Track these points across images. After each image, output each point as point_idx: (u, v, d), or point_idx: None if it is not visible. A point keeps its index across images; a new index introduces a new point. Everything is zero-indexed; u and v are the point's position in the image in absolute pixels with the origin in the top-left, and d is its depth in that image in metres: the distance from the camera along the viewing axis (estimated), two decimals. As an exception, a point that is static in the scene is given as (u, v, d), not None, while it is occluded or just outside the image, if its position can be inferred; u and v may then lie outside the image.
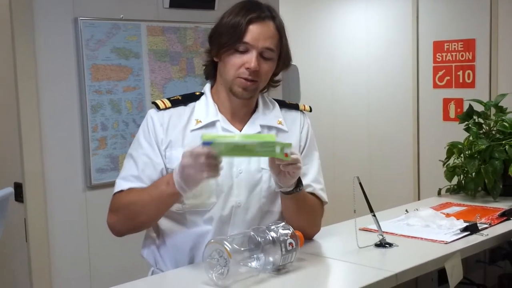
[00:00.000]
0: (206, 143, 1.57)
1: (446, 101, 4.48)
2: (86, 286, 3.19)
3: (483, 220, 2.14)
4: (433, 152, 4.17)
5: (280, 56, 1.84)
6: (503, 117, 2.61)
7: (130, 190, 1.78)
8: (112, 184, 1.87)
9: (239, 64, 1.77)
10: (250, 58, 1.76)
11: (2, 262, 3.22)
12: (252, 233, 1.58)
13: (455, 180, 2.64)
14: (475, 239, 1.95)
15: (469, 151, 2.55)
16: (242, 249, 1.52)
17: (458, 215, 2.20)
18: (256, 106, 1.90)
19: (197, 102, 1.87)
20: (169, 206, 1.76)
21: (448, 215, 2.19)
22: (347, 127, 5.19)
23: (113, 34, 3.20)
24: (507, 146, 2.47)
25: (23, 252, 3.02)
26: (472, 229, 2.00)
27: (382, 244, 1.85)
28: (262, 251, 1.55)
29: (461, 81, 4.39)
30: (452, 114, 4.42)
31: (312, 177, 1.90)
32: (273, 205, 1.87)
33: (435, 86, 4.55)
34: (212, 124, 1.83)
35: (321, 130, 4.54)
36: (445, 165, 2.66)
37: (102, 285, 3.19)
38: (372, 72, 4.98)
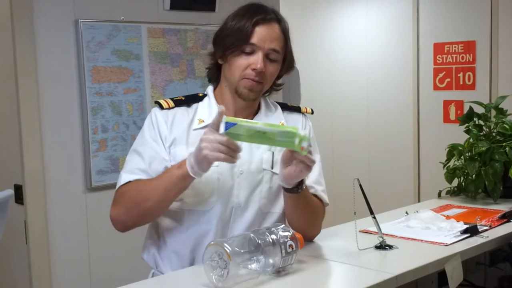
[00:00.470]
0: (228, 124, 1.57)
1: (447, 103, 4.48)
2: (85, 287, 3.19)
3: (483, 222, 2.14)
4: (433, 154, 4.16)
5: (284, 59, 1.86)
6: (503, 119, 2.61)
7: (137, 180, 1.77)
8: (112, 186, 1.87)
9: (245, 65, 1.78)
10: (257, 59, 1.77)
11: (2, 264, 3.22)
12: (252, 235, 1.58)
13: (455, 182, 2.64)
14: (475, 241, 1.95)
15: (470, 153, 2.55)
16: (242, 251, 1.52)
17: (458, 217, 2.20)
18: (259, 109, 1.91)
19: (200, 103, 1.88)
20: (176, 192, 1.72)
21: (448, 217, 2.19)
22: (347, 129, 5.19)
23: (114, 36, 3.20)
24: (507, 148, 2.47)
25: (23, 254, 3.02)
26: (472, 231, 1.99)
27: (382, 246, 1.85)
28: (262, 253, 1.55)
29: (461, 83, 4.39)
30: (452, 116, 4.42)
31: (313, 179, 1.90)
32: (274, 206, 1.87)
33: (436, 88, 4.55)
34: None
35: (321, 132, 4.54)
36: (445, 167, 2.66)
37: (102, 287, 3.19)
38: (372, 74, 4.98)
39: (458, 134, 2.76)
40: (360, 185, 1.83)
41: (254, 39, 1.77)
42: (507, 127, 2.56)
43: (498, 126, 2.60)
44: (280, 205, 1.88)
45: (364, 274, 1.68)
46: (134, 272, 1.98)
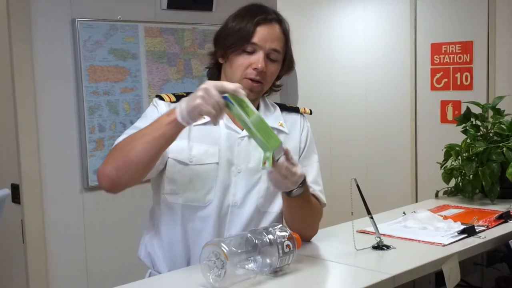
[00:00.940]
0: (226, 98, 1.56)
1: (444, 103, 4.48)
2: (82, 287, 3.18)
3: (480, 223, 2.14)
4: (430, 154, 4.16)
5: (284, 60, 1.87)
6: (500, 120, 2.61)
7: (130, 135, 1.72)
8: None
9: (246, 64, 1.79)
10: (258, 59, 1.78)
11: (-2, 263, 3.22)
12: (249, 235, 1.58)
13: (452, 183, 2.64)
14: (473, 241, 1.95)
15: (467, 154, 2.55)
16: (239, 251, 1.52)
17: (455, 218, 2.20)
18: (258, 109, 1.91)
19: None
20: (163, 141, 1.63)
21: (445, 217, 2.19)
22: (344, 129, 5.19)
23: (111, 35, 3.20)
24: (504, 149, 2.47)
25: (19, 253, 3.01)
26: (469, 231, 1.99)
27: (379, 247, 1.85)
28: (259, 253, 1.55)
29: (458, 83, 4.39)
30: (449, 116, 4.42)
31: (311, 179, 1.90)
32: (271, 206, 1.88)
33: (433, 88, 4.55)
34: None
35: (319, 132, 4.53)
36: (442, 167, 2.66)
37: (98, 286, 3.18)
38: (370, 74, 4.98)
39: (456, 135, 2.76)
40: (358, 185, 1.83)
41: (256, 39, 1.78)
42: (504, 127, 2.56)
43: (495, 126, 2.60)
44: (277, 205, 1.88)
45: (362, 274, 1.68)
46: (131, 272, 1.98)
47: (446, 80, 4.46)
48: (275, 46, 1.81)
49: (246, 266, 1.53)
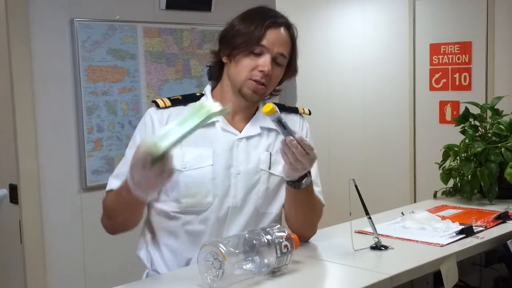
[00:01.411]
0: (158, 158, 1.46)
1: (443, 104, 4.49)
2: (81, 288, 3.18)
3: (478, 223, 2.14)
4: (429, 155, 4.17)
5: (289, 65, 1.87)
6: (499, 120, 2.61)
7: (116, 190, 1.77)
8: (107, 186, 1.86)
9: (252, 66, 1.79)
10: (265, 62, 1.78)
11: (-4, 263, 3.22)
12: (247, 235, 1.58)
13: (451, 183, 2.64)
14: (471, 241, 1.95)
15: (465, 154, 2.55)
16: (237, 251, 1.52)
17: (453, 218, 2.20)
18: (256, 111, 1.91)
19: (197, 102, 1.87)
20: (141, 207, 1.74)
21: (443, 217, 2.19)
22: (343, 130, 5.19)
23: (109, 35, 3.19)
24: (503, 149, 2.47)
25: (17, 254, 3.01)
26: (467, 231, 1.99)
27: (377, 247, 1.85)
28: (257, 253, 1.54)
29: (457, 83, 4.40)
30: (448, 117, 4.43)
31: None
32: (270, 207, 1.87)
33: (432, 88, 4.55)
34: (211, 124, 1.83)
35: (317, 133, 4.53)
36: (441, 168, 2.66)
37: (96, 287, 3.18)
38: (369, 75, 4.98)
39: (454, 135, 2.76)
40: (356, 186, 1.83)
41: (265, 41, 1.78)
42: (503, 127, 2.56)
43: (494, 126, 2.60)
44: (276, 206, 1.88)
45: (360, 274, 1.68)
46: (129, 272, 1.97)
47: (444, 80, 4.47)
48: (282, 50, 1.81)
49: (244, 266, 1.53)
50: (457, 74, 4.39)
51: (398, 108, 4.77)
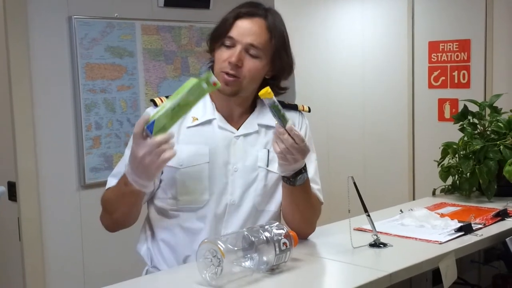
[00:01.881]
0: (150, 126, 1.55)
1: (441, 101, 4.48)
2: (79, 285, 3.18)
3: (477, 221, 2.14)
4: (428, 152, 4.17)
5: (274, 57, 1.83)
6: (497, 118, 2.61)
7: (114, 188, 1.78)
8: (106, 184, 1.86)
9: (224, 58, 1.78)
10: (232, 53, 1.77)
11: (-5, 261, 3.21)
12: (246, 232, 1.57)
13: (449, 180, 2.64)
14: (470, 239, 1.95)
15: (464, 152, 2.55)
16: (236, 248, 1.51)
17: (452, 215, 2.20)
18: (254, 108, 1.90)
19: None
20: (139, 201, 1.73)
21: (442, 215, 2.19)
22: (342, 127, 5.18)
23: (108, 33, 3.19)
24: (501, 147, 2.47)
25: (16, 251, 3.01)
26: (466, 229, 1.99)
27: (376, 244, 1.84)
28: (256, 250, 1.54)
29: (456, 81, 4.39)
30: (447, 114, 4.42)
31: (309, 177, 1.89)
32: (268, 205, 1.87)
33: (430, 86, 4.55)
34: (208, 122, 1.83)
35: (316, 131, 4.53)
36: (439, 165, 2.66)
37: (95, 284, 3.17)
38: (367, 72, 4.98)
39: (453, 132, 2.76)
40: (355, 183, 1.83)
41: (234, 33, 1.78)
42: (502, 125, 2.56)
43: (493, 124, 2.60)
44: (275, 203, 1.88)
45: (358, 272, 1.67)
46: (128, 269, 1.97)
47: (443, 78, 4.46)
48: (252, 41, 1.77)
49: (243, 263, 1.53)
50: (456, 72, 4.39)
51: (397, 106, 4.76)
